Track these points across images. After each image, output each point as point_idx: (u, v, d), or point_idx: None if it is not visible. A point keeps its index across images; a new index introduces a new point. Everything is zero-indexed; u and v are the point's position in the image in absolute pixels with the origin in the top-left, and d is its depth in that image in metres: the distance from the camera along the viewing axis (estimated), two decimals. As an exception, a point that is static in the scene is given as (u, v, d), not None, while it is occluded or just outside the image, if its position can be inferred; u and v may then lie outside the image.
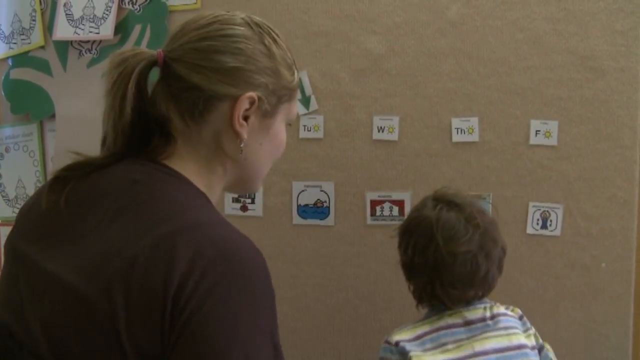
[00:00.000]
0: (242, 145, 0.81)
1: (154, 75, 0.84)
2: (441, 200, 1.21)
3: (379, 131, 1.58)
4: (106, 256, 0.70)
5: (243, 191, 0.90)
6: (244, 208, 1.67)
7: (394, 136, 1.58)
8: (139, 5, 1.74)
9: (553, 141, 1.51)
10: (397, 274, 1.60)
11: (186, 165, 0.81)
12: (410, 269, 1.23)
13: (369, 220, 1.61)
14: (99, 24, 1.76)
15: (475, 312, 1.16)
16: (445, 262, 1.13)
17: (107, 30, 1.75)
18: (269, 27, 0.84)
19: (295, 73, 0.86)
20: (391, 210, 1.60)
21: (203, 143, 0.82)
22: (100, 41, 1.77)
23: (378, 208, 1.60)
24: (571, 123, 1.51)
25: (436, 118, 1.56)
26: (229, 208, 1.67)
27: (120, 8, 1.75)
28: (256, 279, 0.71)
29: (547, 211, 1.51)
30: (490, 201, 1.54)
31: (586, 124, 1.50)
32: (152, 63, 0.81)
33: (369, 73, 1.59)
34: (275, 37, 0.84)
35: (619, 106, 1.49)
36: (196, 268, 0.67)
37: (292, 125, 0.93)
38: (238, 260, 0.71)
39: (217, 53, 0.79)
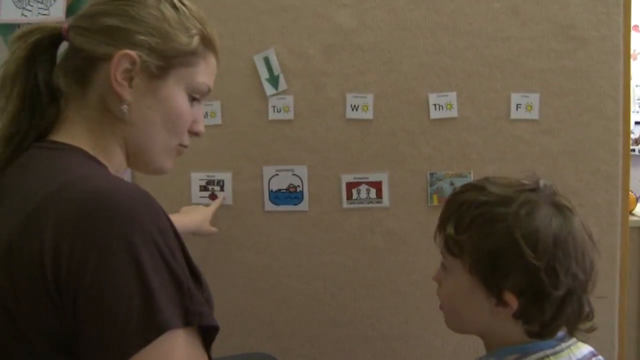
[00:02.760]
0: (124, 107, 0.79)
1: None
2: (539, 199, 0.85)
3: (352, 110, 1.52)
4: None
5: (147, 167, 0.87)
6: (213, 196, 1.58)
7: (369, 114, 1.52)
8: (91, -16, 1.63)
9: (534, 115, 1.46)
10: (376, 259, 1.55)
11: (75, 131, 0.80)
12: (566, 297, 0.83)
13: (345, 204, 1.54)
14: (49, 4, 1.65)
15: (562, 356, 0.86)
16: (593, 269, 0.85)
17: (58, 12, 1.64)
18: None
19: (196, 38, 0.83)
20: (368, 193, 1.53)
21: (90, 106, 0.80)
22: (51, 23, 1.66)
23: (354, 191, 1.54)
24: (553, 95, 1.46)
25: (412, 94, 1.50)
26: (197, 197, 1.59)
27: (71, -13, 1.64)
28: (135, 221, 0.66)
29: (531, 188, 1.46)
30: (472, 179, 1.48)
31: (568, 96, 1.46)
32: (54, 36, 0.82)
33: (340, 49, 1.52)
34: (178, 3, 0.83)
35: (601, 77, 1.45)
36: (66, 233, 0.64)
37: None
38: (111, 207, 0.66)
39: (102, 16, 0.80)
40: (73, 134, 0.80)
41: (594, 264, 0.84)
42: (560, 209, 0.85)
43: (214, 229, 1.49)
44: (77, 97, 0.81)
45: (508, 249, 0.82)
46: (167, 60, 0.80)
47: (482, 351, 0.97)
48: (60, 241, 0.64)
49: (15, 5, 1.65)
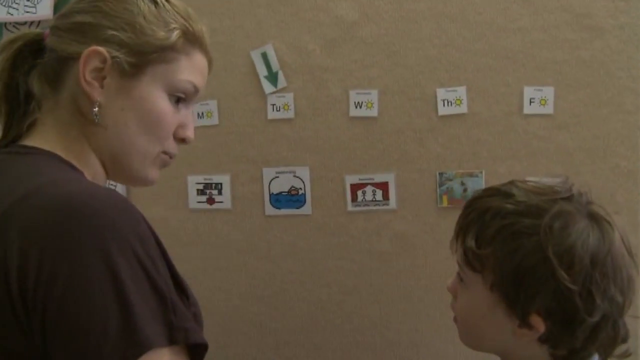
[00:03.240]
0: (95, 109, 0.74)
1: None
2: (572, 209, 0.77)
3: (356, 107, 1.45)
4: None
5: (127, 177, 0.81)
6: (211, 201, 1.51)
7: (374, 112, 1.44)
8: (79, -20, 1.56)
9: (549, 109, 1.38)
10: (384, 264, 1.48)
11: (47, 135, 0.75)
12: (600, 322, 0.75)
13: (350, 207, 1.47)
14: (36, 2, 1.59)
15: None
16: (632, 289, 0.76)
17: (45, 10, 1.58)
18: None
19: (175, 33, 0.77)
20: (374, 195, 1.46)
21: (61, 108, 0.75)
22: (39, 22, 1.60)
23: (359, 193, 1.46)
24: (568, 88, 1.38)
25: (419, 89, 1.43)
26: (194, 202, 1.52)
27: (58, -17, 1.57)
28: (110, 227, 0.61)
29: (547, 187, 1.38)
30: (484, 179, 1.40)
31: (584, 89, 1.38)
32: (37, 43, 0.79)
33: (342, 43, 1.45)
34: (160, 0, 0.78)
35: (619, 67, 1.37)
36: (33, 241, 0.59)
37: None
38: (84, 213, 0.60)
39: (76, 13, 0.76)
40: (45, 137, 0.75)
41: (634, 282, 0.76)
42: (597, 221, 0.76)
43: None
44: (49, 100, 0.76)
45: (537, 268, 0.73)
46: (142, 57, 0.75)
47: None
48: (28, 250, 0.58)
49: (0, 4, 1.58)
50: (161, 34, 0.75)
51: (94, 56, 0.72)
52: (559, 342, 0.76)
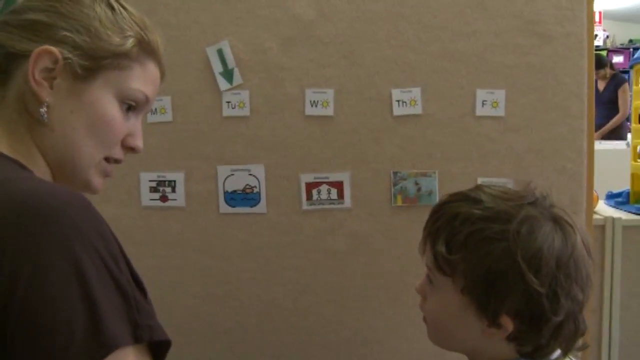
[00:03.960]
0: (42, 109, 0.72)
1: None
2: (532, 214, 0.79)
3: (312, 106, 1.44)
4: None
5: (71, 181, 0.80)
6: (164, 198, 1.48)
7: (329, 111, 1.44)
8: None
9: (500, 112, 1.42)
10: (338, 263, 1.49)
11: None
12: (563, 320, 0.78)
13: (305, 206, 1.47)
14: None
15: None
16: (590, 285, 0.80)
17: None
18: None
19: (130, 40, 0.76)
20: (329, 193, 1.46)
21: (8, 106, 0.73)
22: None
23: (314, 191, 1.46)
24: (518, 92, 1.42)
25: (375, 90, 1.43)
26: (146, 199, 1.49)
27: (3, -30, 1.51)
28: (72, 226, 0.60)
29: (497, 187, 1.42)
30: (437, 179, 1.43)
31: (534, 93, 1.42)
32: None
33: (299, 41, 1.44)
34: (115, 4, 0.77)
35: (566, 73, 1.41)
36: None
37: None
38: (43, 212, 0.59)
39: (29, 11, 0.74)
40: None
41: (591, 280, 0.80)
42: (560, 224, 0.80)
43: None
44: None
45: (507, 272, 0.76)
46: (95, 61, 0.74)
47: (450, 356, 0.92)
48: None
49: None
50: (116, 39, 0.75)
51: (45, 55, 0.71)
52: (526, 340, 0.79)
